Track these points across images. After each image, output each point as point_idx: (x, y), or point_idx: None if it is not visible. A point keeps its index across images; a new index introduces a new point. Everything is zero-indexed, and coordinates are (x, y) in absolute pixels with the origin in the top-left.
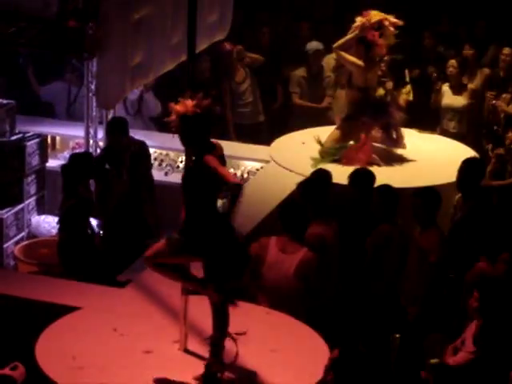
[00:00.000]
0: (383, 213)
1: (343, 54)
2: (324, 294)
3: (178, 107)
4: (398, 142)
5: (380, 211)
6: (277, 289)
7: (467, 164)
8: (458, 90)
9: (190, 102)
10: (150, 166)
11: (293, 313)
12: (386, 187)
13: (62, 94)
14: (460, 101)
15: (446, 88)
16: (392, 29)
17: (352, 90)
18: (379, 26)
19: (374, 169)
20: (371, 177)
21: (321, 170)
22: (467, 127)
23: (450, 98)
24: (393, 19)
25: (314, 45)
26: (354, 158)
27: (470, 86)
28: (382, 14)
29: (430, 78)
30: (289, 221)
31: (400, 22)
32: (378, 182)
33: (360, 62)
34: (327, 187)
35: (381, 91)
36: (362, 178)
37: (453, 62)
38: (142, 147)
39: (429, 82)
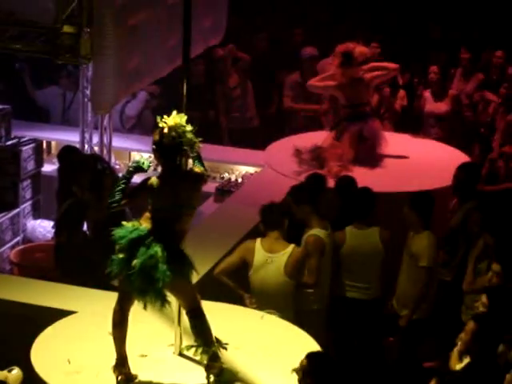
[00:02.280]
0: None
1: (315, 84)
2: (316, 293)
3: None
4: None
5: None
6: (266, 290)
7: (463, 169)
8: (439, 96)
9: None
10: None
11: (282, 313)
12: (364, 189)
13: (58, 98)
14: (442, 107)
15: (427, 94)
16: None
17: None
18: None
19: (367, 172)
20: (354, 183)
21: (316, 173)
22: (449, 133)
23: (431, 104)
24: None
25: (308, 51)
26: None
27: (451, 91)
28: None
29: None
30: (272, 219)
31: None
32: (371, 185)
33: (332, 82)
34: (322, 191)
35: None
36: (347, 184)
37: (434, 68)
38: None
39: (411, 88)
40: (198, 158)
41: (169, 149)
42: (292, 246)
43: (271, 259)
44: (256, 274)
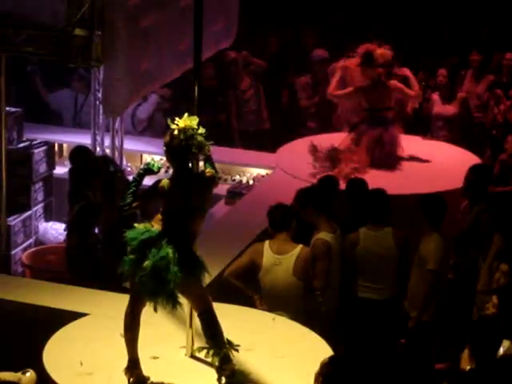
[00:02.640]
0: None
1: (336, 93)
2: (325, 296)
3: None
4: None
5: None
6: (275, 291)
7: (474, 170)
8: (447, 98)
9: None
10: None
11: (292, 315)
12: (377, 191)
13: (69, 101)
14: (450, 109)
15: (435, 97)
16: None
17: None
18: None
19: (379, 174)
20: (364, 185)
21: (329, 176)
22: (458, 135)
23: (440, 106)
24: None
25: (318, 53)
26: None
27: (460, 94)
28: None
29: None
30: (280, 221)
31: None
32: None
33: (350, 88)
34: (334, 194)
35: None
36: (356, 186)
37: (442, 71)
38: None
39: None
40: (210, 161)
41: (179, 151)
42: (300, 246)
43: (279, 261)
44: (265, 275)
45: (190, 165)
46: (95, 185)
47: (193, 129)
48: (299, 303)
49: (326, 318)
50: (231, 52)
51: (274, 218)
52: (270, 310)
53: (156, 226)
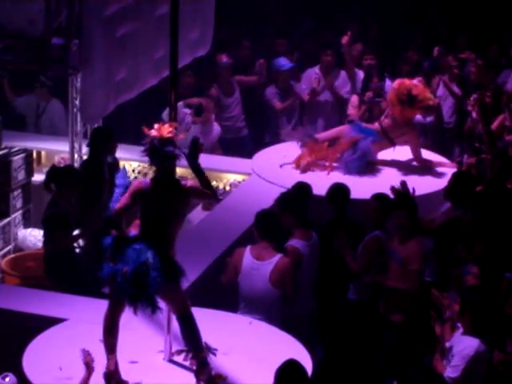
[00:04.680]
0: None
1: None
2: (298, 302)
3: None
4: None
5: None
6: (252, 296)
7: (457, 176)
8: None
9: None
10: None
11: (269, 319)
12: (381, 195)
13: (32, 107)
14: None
15: None
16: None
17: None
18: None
19: (354, 180)
20: (347, 192)
21: (302, 182)
22: (431, 142)
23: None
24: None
25: (280, 62)
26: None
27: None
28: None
29: None
30: (265, 228)
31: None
32: (357, 193)
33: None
34: (308, 199)
35: None
36: (339, 193)
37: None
38: (116, 159)
39: None
40: (200, 175)
41: (157, 157)
42: (279, 255)
43: (258, 266)
44: (244, 279)
45: (168, 171)
46: (69, 195)
47: (172, 135)
48: (275, 308)
49: (299, 322)
50: (224, 56)
51: (260, 225)
52: (247, 313)
53: (135, 232)
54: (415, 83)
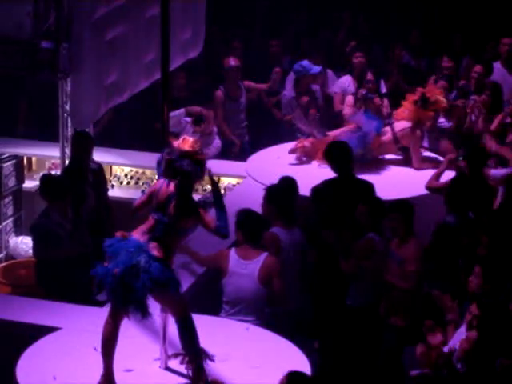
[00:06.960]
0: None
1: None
2: (286, 300)
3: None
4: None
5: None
6: (239, 296)
7: (455, 181)
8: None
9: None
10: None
11: (257, 319)
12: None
13: None
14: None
15: None
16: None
17: None
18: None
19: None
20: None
21: (288, 177)
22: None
23: None
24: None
25: (308, 65)
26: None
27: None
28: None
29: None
30: (249, 230)
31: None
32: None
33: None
34: (294, 194)
35: None
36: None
37: (442, 83)
38: (100, 165)
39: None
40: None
41: (171, 169)
42: (265, 254)
43: (245, 266)
44: (230, 280)
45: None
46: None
47: (196, 153)
48: (262, 307)
49: (284, 319)
50: (232, 59)
51: (249, 228)
52: (234, 315)
53: (136, 236)
54: (431, 86)
